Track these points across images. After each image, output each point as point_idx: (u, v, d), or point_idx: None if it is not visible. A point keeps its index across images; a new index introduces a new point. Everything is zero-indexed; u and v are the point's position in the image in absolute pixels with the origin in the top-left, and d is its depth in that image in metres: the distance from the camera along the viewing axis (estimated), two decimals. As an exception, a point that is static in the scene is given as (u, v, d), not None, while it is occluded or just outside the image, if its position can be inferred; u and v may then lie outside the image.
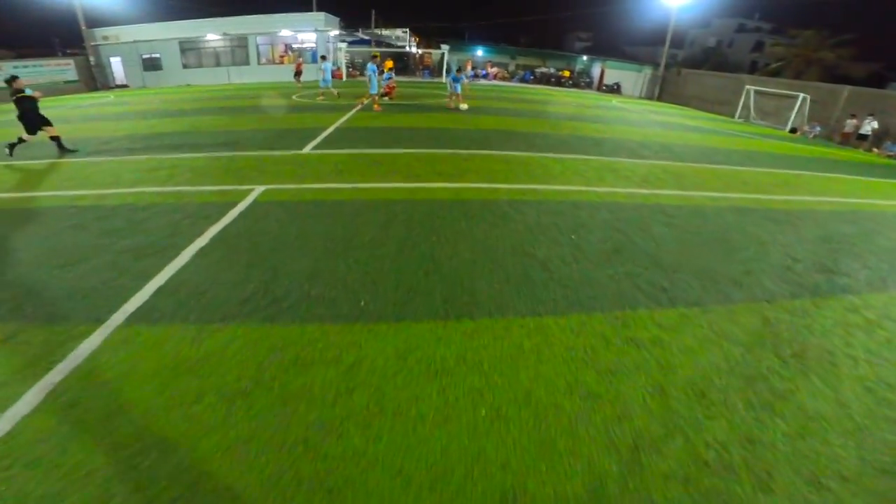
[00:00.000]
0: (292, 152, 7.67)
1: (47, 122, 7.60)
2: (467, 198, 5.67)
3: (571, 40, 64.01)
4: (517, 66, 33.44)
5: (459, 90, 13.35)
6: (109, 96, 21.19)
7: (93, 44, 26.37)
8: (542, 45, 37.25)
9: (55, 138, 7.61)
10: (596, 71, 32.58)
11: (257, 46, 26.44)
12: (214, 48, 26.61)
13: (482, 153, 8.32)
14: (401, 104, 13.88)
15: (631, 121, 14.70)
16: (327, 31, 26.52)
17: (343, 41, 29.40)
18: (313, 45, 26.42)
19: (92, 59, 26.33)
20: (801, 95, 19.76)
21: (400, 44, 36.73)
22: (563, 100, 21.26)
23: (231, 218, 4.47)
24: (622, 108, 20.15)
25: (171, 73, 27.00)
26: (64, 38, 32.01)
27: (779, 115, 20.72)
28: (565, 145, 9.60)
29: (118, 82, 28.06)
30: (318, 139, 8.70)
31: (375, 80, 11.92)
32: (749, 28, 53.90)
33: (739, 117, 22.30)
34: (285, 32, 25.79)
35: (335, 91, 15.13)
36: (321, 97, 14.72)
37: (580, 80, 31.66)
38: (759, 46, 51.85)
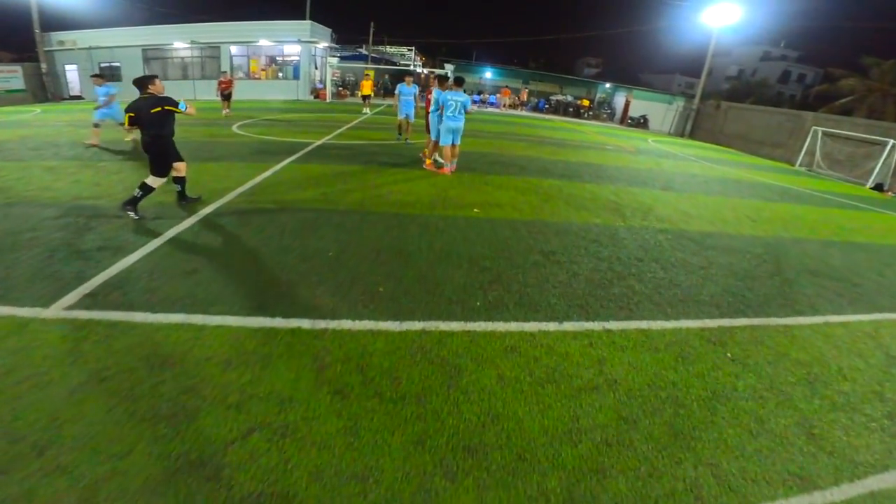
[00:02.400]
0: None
1: (179, 157, 4.82)
2: None
3: (581, 66, 61.48)
4: (529, 93, 29.86)
5: (412, 117, 9.75)
6: (36, 109, 17.44)
7: (46, 49, 22.88)
8: (552, 69, 33.86)
9: (180, 180, 4.93)
10: (619, 100, 28.93)
11: (231, 58, 22.88)
12: (182, 58, 23.10)
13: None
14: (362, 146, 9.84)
15: (717, 185, 10.63)
16: (314, 43, 22.99)
17: (335, 56, 25.91)
18: (297, 58, 22.88)
19: (44, 66, 22.80)
20: (891, 141, 15.67)
21: (404, 62, 33.43)
22: (592, 139, 17.31)
23: None
24: (672, 154, 16.13)
25: (131, 84, 23.40)
26: (12, 42, 28.62)
27: (853, 164, 16.60)
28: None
29: (73, 93, 24.50)
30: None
31: (434, 119, 7.32)
32: (775, 56, 50.56)
33: (801, 165, 18.15)
34: (264, 42, 22.26)
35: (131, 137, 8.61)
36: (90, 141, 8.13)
37: (601, 111, 27.95)
38: (786, 76, 48.49)
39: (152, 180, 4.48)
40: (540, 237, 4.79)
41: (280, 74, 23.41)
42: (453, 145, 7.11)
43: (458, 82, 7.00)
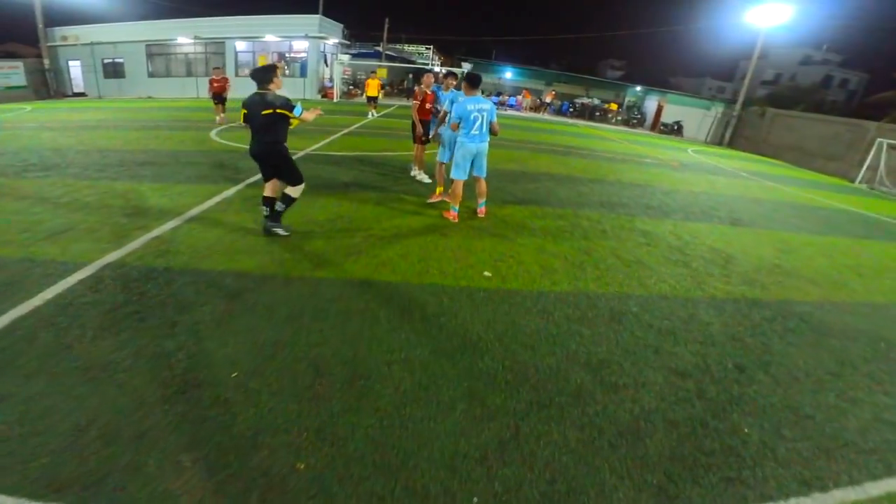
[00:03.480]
0: None
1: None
2: None
3: (604, 68, 58.97)
4: (553, 95, 27.89)
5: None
6: (26, 107, 16.43)
7: (49, 44, 22.09)
8: (574, 71, 31.72)
9: (272, 201, 4.16)
10: (650, 105, 26.73)
11: (236, 54, 21.67)
12: (186, 54, 22.01)
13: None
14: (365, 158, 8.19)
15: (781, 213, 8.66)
16: (323, 38, 21.59)
17: (347, 53, 24.49)
18: (304, 54, 21.52)
19: (46, 61, 22.00)
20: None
21: (422, 61, 31.89)
22: (626, 149, 15.37)
23: None
24: (720, 170, 14.10)
25: (134, 81, 22.48)
26: (19, 36, 28.02)
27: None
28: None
29: (77, 90, 23.71)
30: None
31: (446, 134, 5.34)
32: (815, 60, 46.98)
33: (861, 181, 15.77)
34: (271, 38, 20.95)
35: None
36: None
37: (630, 116, 25.79)
38: (827, 81, 44.86)
39: (292, 190, 4.03)
40: (584, 331, 3.03)
41: (287, 72, 22.07)
42: (477, 179, 4.93)
43: (474, 82, 4.64)
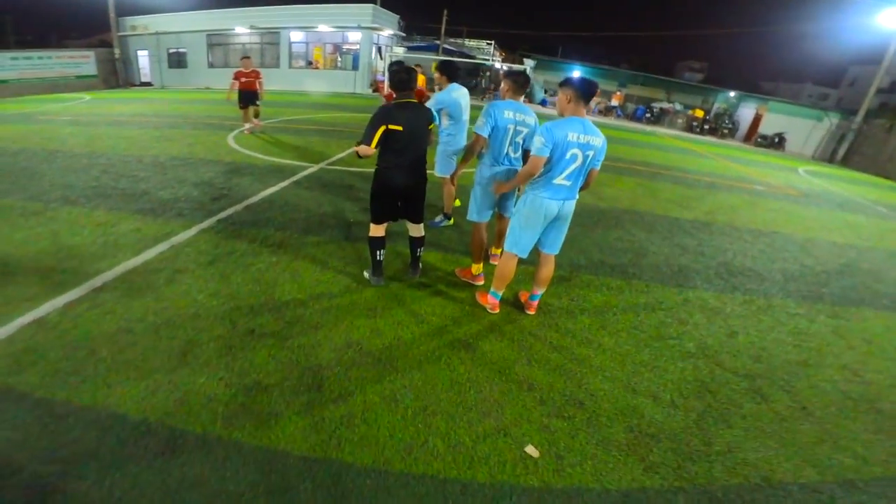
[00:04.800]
0: None
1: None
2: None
3: (681, 70, 53.47)
4: (625, 98, 24.83)
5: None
6: (85, 97, 16.61)
7: (120, 34, 22.71)
8: (649, 72, 28.10)
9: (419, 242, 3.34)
10: (745, 113, 22.96)
11: (290, 44, 21.00)
12: (242, 45, 21.69)
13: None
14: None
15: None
16: (377, 29, 20.33)
17: (402, 45, 23.14)
18: (356, 46, 20.39)
19: (117, 51, 22.65)
20: None
21: (482, 57, 29.98)
22: (724, 169, 12.62)
23: None
24: (852, 202, 11.04)
25: (195, 71, 22.58)
26: (80, 27, 29.29)
27: None
28: None
29: (144, 79, 24.33)
30: None
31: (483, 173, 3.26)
32: (952, 68, 39.15)
33: None
34: (324, 28, 20.00)
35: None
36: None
37: (720, 125, 22.21)
38: (967, 94, 37.02)
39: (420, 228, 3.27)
40: None
41: (339, 64, 21.11)
42: (545, 258, 2.97)
43: (519, 80, 3.06)
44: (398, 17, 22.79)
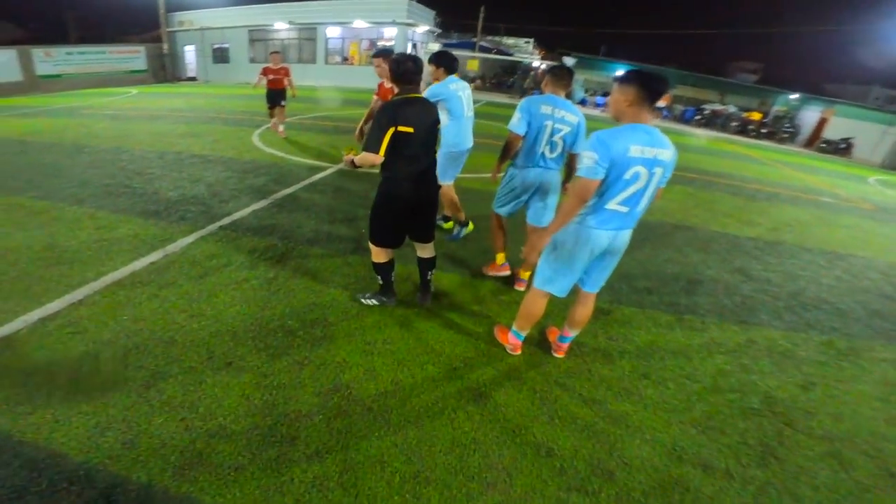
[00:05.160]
0: None
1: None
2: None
3: (733, 70, 49.97)
4: (669, 99, 23.29)
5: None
6: (132, 91, 17.27)
7: (168, 30, 23.58)
8: (697, 71, 26.21)
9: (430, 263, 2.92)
10: (807, 116, 21.03)
11: (326, 40, 21.06)
12: (281, 40, 21.95)
13: None
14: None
15: None
16: (412, 25, 20.02)
17: (438, 42, 22.75)
18: (392, 42, 20.15)
19: (166, 46, 23.54)
20: None
21: (520, 55, 29.16)
22: (784, 177, 11.44)
23: None
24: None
25: (237, 67, 23.11)
26: (133, 23, 30.52)
27: None
28: None
29: (190, 74, 25.19)
30: None
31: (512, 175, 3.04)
32: None
33: None
34: (360, 24, 19.90)
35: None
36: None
37: (780, 129, 20.40)
38: None
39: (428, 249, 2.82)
40: None
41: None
42: (584, 297, 2.41)
43: (560, 74, 2.78)
44: (434, 12, 22.40)
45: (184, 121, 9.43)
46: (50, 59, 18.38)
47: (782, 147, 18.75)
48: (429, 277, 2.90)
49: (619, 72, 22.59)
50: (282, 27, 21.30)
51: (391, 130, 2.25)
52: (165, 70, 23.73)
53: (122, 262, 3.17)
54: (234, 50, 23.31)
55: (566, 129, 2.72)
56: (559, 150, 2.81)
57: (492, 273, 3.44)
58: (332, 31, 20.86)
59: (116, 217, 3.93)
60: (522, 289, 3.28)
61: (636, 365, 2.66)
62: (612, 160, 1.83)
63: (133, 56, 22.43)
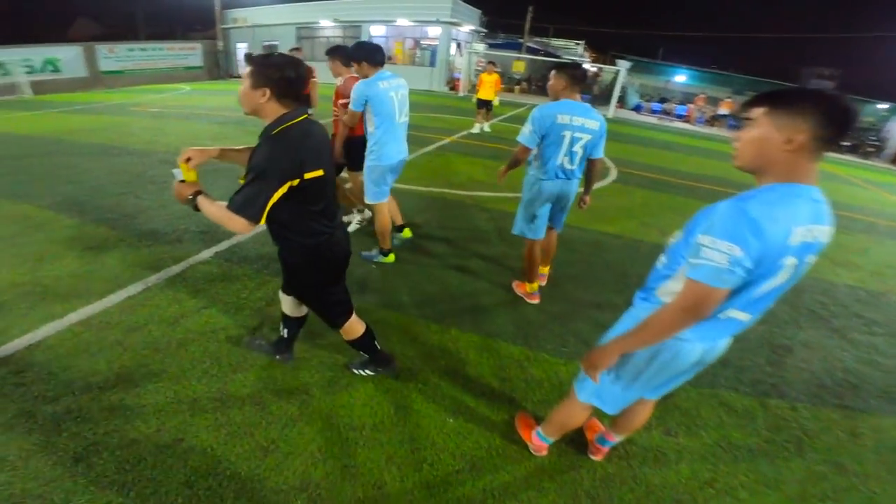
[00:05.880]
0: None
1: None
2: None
3: (807, 77, 45.46)
4: (732, 106, 21.28)
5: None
6: (184, 87, 17.83)
7: (223, 27, 24.35)
8: (765, 78, 23.77)
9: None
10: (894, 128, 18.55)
11: (370, 39, 20.90)
12: (327, 38, 22.05)
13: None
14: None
15: None
16: (456, 24, 19.45)
17: (484, 42, 22.07)
18: (435, 41, 19.69)
19: (220, 43, 24.33)
20: None
21: (568, 56, 27.91)
22: (878, 203, 9.89)
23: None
24: None
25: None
26: (197, 20, 31.65)
27: None
28: None
29: (240, 71, 25.91)
30: None
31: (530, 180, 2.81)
32: None
33: None
34: (403, 22, 19.57)
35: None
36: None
37: (865, 142, 18.09)
38: None
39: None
40: None
41: (417, 60, 20.59)
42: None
43: (576, 75, 2.53)
44: (480, 12, 21.70)
45: (219, 121, 9.40)
46: (113, 56, 19.30)
47: (867, 163, 16.58)
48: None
49: (681, 77, 20.80)
50: (328, 25, 21.37)
51: (287, 186, 1.50)
52: (219, 67, 24.53)
53: (99, 295, 2.80)
54: (283, 47, 23.67)
55: (587, 137, 2.49)
56: (579, 158, 2.60)
57: (518, 292, 3.19)
58: (377, 30, 20.68)
59: (111, 236, 3.63)
60: (536, 303, 3.16)
61: (698, 469, 2.00)
62: (763, 255, 1.05)
63: (190, 53, 23.27)
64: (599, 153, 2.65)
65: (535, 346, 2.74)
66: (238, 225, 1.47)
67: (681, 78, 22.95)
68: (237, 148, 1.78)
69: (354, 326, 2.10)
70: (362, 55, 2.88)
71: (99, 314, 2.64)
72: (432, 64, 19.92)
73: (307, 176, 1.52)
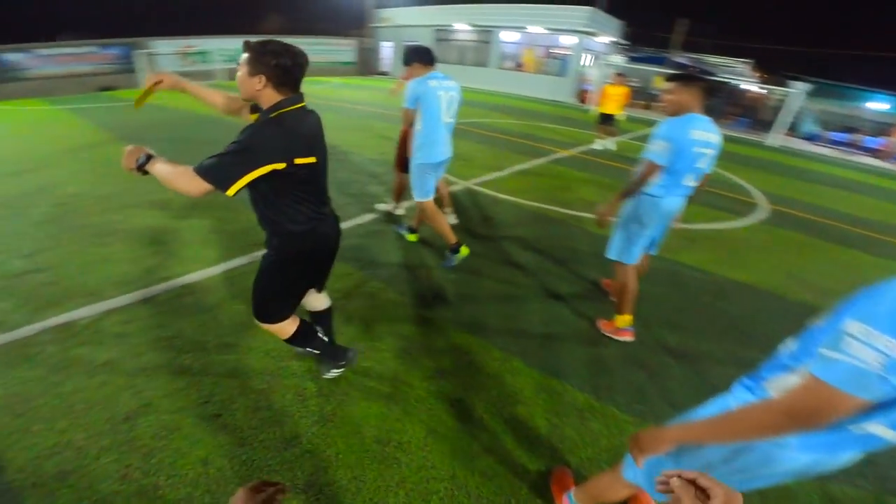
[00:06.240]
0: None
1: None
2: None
3: None
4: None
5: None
6: (333, 81, 19.99)
7: (372, 25, 26.68)
8: None
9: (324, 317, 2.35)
10: None
11: (500, 44, 20.95)
12: (461, 42, 22.70)
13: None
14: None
15: None
16: (593, 34, 18.38)
17: (623, 55, 20.56)
18: (568, 51, 18.87)
19: (371, 41, 26.77)
20: None
21: (728, 76, 24.59)
22: None
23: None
24: None
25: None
26: (357, 17, 34.57)
27: None
28: None
29: (383, 69, 28.15)
30: None
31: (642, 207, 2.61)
32: None
33: None
34: (536, 30, 19.15)
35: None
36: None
37: None
38: None
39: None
40: None
41: (546, 68, 20.04)
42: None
43: (705, 89, 2.36)
44: (622, 23, 20.21)
45: (352, 115, 10.23)
46: (280, 48, 22.58)
47: None
48: (331, 329, 2.29)
49: (877, 104, 16.70)
50: (461, 28, 21.98)
51: (275, 167, 1.46)
52: (367, 63, 27.02)
53: (60, 311, 2.67)
54: (420, 49, 25.13)
55: (710, 152, 2.41)
56: (699, 174, 2.51)
57: (607, 332, 2.86)
58: (508, 36, 20.64)
59: (121, 244, 3.54)
60: (629, 339, 2.81)
61: None
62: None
63: (345, 49, 26.05)
64: (711, 168, 2.53)
65: (605, 396, 2.32)
66: (192, 186, 1.42)
67: (878, 105, 18.45)
68: (206, 91, 1.93)
69: (290, 324, 1.93)
70: (414, 57, 3.11)
71: (31, 337, 2.45)
72: (562, 73, 19.20)
73: (297, 161, 1.52)
